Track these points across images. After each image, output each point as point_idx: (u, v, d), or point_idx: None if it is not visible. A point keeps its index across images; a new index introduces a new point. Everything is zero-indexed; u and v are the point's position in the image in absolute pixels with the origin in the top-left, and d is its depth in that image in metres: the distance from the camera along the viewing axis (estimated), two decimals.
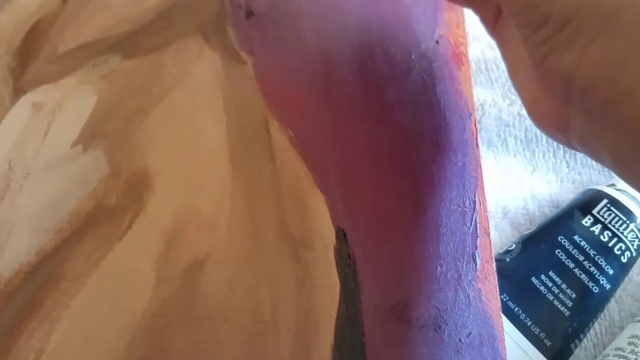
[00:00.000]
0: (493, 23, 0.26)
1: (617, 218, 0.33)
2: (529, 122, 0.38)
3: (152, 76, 0.29)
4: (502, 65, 0.40)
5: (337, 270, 0.25)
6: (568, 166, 0.38)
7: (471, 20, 0.32)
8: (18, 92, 0.27)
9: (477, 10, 0.27)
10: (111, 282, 0.23)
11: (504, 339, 0.26)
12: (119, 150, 0.26)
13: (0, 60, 0.28)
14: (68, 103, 0.27)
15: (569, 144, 0.23)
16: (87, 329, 0.22)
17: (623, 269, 0.32)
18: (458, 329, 0.25)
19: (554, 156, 0.38)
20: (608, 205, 0.33)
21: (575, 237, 0.32)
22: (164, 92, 0.28)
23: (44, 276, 0.23)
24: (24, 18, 0.30)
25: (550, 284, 0.31)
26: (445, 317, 0.25)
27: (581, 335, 0.31)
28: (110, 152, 0.26)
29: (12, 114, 0.27)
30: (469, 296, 0.26)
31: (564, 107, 0.22)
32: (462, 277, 0.27)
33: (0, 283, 0.23)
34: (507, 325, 0.30)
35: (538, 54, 0.20)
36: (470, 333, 0.25)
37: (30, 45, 0.29)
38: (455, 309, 0.26)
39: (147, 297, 0.23)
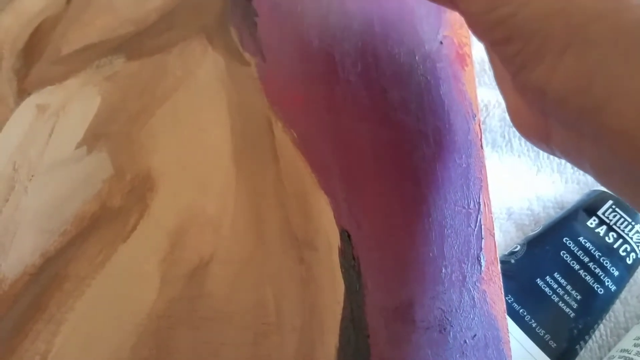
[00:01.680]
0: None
1: (622, 219, 0.33)
2: None
3: (155, 77, 0.29)
4: None
5: (342, 271, 0.25)
6: (573, 167, 0.38)
7: None
8: (22, 93, 0.27)
9: (464, 16, 0.27)
10: (116, 284, 0.23)
11: (509, 341, 0.26)
12: (123, 152, 0.26)
13: (4, 62, 0.28)
14: (72, 104, 0.27)
15: (552, 152, 0.23)
16: (92, 331, 0.22)
17: (628, 271, 0.32)
18: (463, 330, 0.25)
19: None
20: (613, 207, 0.33)
21: (580, 239, 0.32)
22: (167, 93, 0.28)
23: (48, 278, 0.23)
24: (28, 19, 0.30)
25: (555, 286, 0.31)
26: (450, 319, 0.25)
27: (586, 337, 0.31)
28: (115, 153, 0.26)
29: (16, 115, 0.27)
30: (473, 298, 0.26)
31: (543, 118, 0.22)
32: (467, 279, 0.27)
33: (5, 285, 0.23)
34: (512, 326, 0.30)
35: (511, 68, 0.21)
36: (475, 335, 0.25)
37: (34, 47, 0.29)
38: (460, 311, 0.26)
39: (151, 298, 0.23)
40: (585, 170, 0.22)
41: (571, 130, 0.20)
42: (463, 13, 0.22)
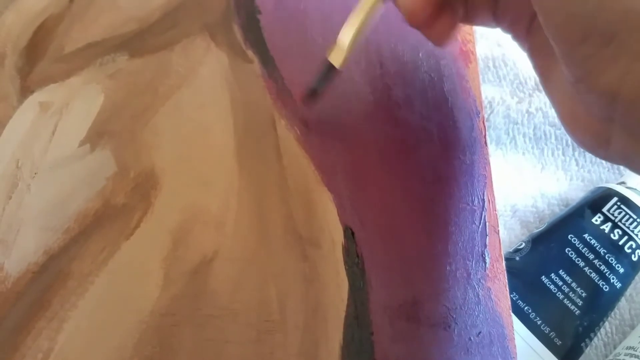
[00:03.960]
0: (525, 31, 0.25)
1: (627, 216, 0.32)
2: (537, 119, 0.38)
3: (158, 75, 0.29)
4: (510, 63, 0.39)
5: (345, 268, 0.25)
6: (577, 164, 0.37)
7: None
8: (25, 91, 0.27)
9: (507, 22, 0.26)
10: (119, 281, 0.23)
11: (514, 338, 0.26)
12: (126, 149, 0.26)
13: (7, 60, 0.28)
14: (75, 102, 0.27)
15: (609, 158, 0.22)
16: (95, 328, 0.22)
17: (634, 267, 0.32)
18: (468, 327, 0.25)
19: (563, 154, 0.38)
20: (618, 204, 0.33)
21: (586, 236, 0.32)
22: (170, 91, 0.28)
23: (51, 275, 0.23)
24: (31, 17, 0.30)
25: (560, 283, 0.31)
26: (454, 316, 0.25)
27: (592, 334, 0.30)
28: (118, 151, 0.26)
29: (20, 113, 0.27)
30: (478, 295, 0.26)
31: (605, 123, 0.21)
32: (472, 276, 0.26)
33: (8, 282, 0.23)
34: (517, 324, 0.30)
35: (579, 71, 0.19)
36: (480, 332, 0.25)
37: (37, 45, 0.29)
38: (464, 308, 0.26)
39: (154, 296, 0.23)
40: None
41: (636, 137, 0.19)
42: (536, 5, 0.20)
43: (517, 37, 0.26)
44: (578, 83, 0.20)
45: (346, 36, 0.25)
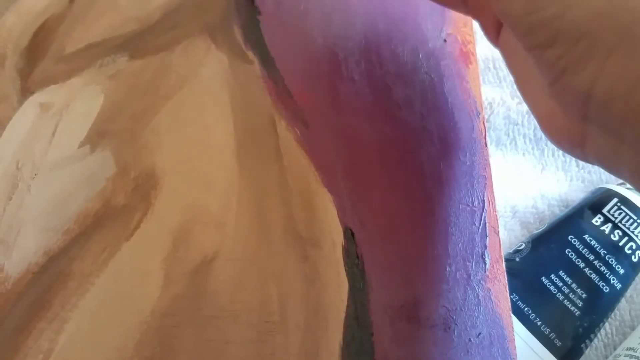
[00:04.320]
0: (495, 33, 0.25)
1: (627, 217, 0.32)
2: None
3: (159, 76, 0.29)
4: None
5: (345, 269, 0.25)
6: (577, 165, 0.38)
7: None
8: (25, 92, 0.27)
9: (478, 19, 0.27)
10: (119, 282, 0.23)
11: (514, 339, 0.26)
12: (126, 150, 0.26)
13: (7, 61, 0.28)
14: (75, 103, 0.27)
15: (585, 158, 0.22)
16: (96, 329, 0.22)
17: (634, 268, 0.32)
18: (468, 329, 0.25)
19: (564, 155, 0.38)
20: (618, 204, 0.33)
21: (586, 237, 0.32)
22: (171, 92, 0.28)
23: (52, 276, 0.23)
24: (31, 18, 0.30)
25: (560, 284, 0.31)
26: (454, 317, 0.25)
27: (592, 335, 0.30)
28: (118, 151, 0.26)
29: (20, 114, 0.27)
30: (478, 296, 0.26)
31: (580, 123, 0.21)
32: (472, 277, 0.26)
33: (8, 283, 0.23)
34: (517, 325, 0.30)
35: (551, 73, 0.20)
36: (480, 333, 0.25)
37: (38, 45, 0.29)
38: (464, 309, 0.26)
39: (155, 296, 0.23)
40: (622, 176, 0.21)
41: (611, 136, 0.19)
42: (500, 15, 0.21)
43: (490, 40, 0.27)
44: (551, 85, 0.20)
45: None
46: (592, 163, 0.23)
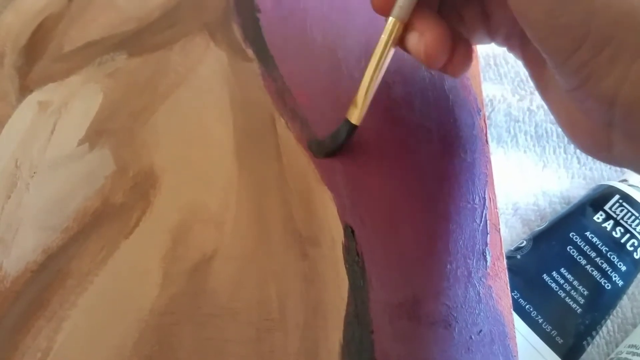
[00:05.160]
0: (519, 43, 0.25)
1: (629, 214, 0.32)
2: (539, 117, 0.37)
3: (158, 74, 0.29)
4: (512, 61, 0.39)
5: (345, 267, 0.25)
6: (579, 162, 0.37)
7: None
8: (24, 90, 0.27)
9: (501, 38, 0.26)
10: (118, 280, 0.23)
11: (515, 337, 0.26)
12: (125, 148, 0.26)
13: (6, 59, 0.28)
14: (74, 101, 0.27)
15: (612, 161, 0.22)
16: (94, 327, 0.22)
17: (636, 265, 0.32)
18: (468, 326, 0.25)
19: (565, 152, 0.37)
20: (620, 201, 0.33)
21: (587, 234, 0.32)
22: (169, 90, 0.28)
23: (50, 274, 0.23)
24: (30, 17, 0.30)
25: (561, 281, 0.30)
26: (455, 315, 0.25)
27: (593, 333, 0.30)
28: (117, 150, 0.26)
29: (19, 112, 0.27)
30: (479, 293, 0.26)
31: (605, 128, 0.20)
32: (473, 274, 0.26)
33: (7, 281, 0.23)
34: (519, 322, 0.29)
35: (574, 79, 0.19)
36: (481, 330, 0.25)
37: (36, 44, 0.29)
38: (465, 306, 0.25)
39: (154, 295, 0.23)
40: None
41: (638, 139, 0.19)
42: (519, 17, 0.20)
43: (511, 49, 0.26)
44: (574, 91, 0.20)
45: (361, 93, 0.26)
46: (620, 166, 0.22)
